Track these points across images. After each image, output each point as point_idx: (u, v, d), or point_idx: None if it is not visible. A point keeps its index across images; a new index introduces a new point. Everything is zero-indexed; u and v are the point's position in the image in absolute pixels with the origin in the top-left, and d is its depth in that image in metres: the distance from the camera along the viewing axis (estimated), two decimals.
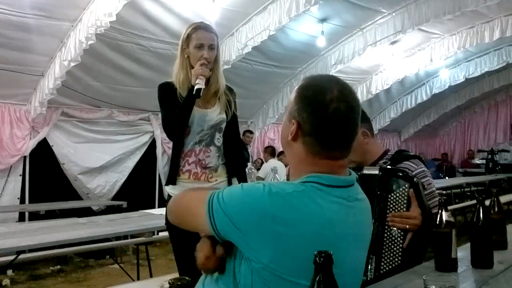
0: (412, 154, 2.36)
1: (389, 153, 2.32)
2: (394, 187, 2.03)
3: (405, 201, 2.00)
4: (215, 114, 2.61)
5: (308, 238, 1.22)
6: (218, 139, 2.63)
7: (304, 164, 1.34)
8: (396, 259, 1.96)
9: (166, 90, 2.65)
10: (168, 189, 2.64)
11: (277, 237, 1.20)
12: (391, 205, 2.01)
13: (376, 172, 2.06)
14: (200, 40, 2.52)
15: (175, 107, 2.54)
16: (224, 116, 2.62)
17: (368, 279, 1.95)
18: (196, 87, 2.44)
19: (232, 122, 2.68)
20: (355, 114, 1.32)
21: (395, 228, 1.98)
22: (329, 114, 1.28)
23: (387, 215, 2.00)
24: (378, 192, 2.02)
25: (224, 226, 1.26)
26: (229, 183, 2.66)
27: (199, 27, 2.57)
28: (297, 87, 1.39)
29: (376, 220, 2.01)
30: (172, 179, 2.61)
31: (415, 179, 2.03)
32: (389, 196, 2.02)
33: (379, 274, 1.95)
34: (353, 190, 1.37)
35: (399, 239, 1.97)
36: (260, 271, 1.23)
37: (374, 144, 2.34)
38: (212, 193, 1.31)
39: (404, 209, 1.99)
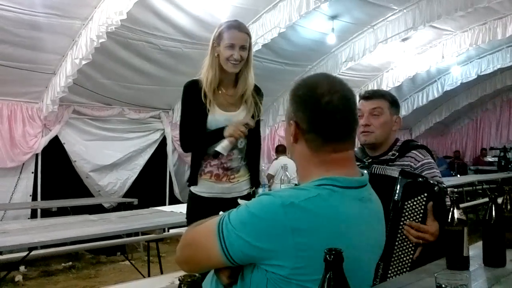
0: (419, 144, 2.32)
1: (398, 143, 2.30)
2: (412, 194, 1.95)
3: (421, 211, 1.93)
4: (239, 117, 2.58)
5: (326, 242, 1.18)
6: (241, 142, 2.59)
7: (312, 164, 1.33)
8: (405, 269, 1.92)
9: (190, 92, 2.60)
10: (192, 189, 2.67)
11: (297, 248, 1.19)
12: (407, 213, 1.95)
13: (396, 174, 1.99)
14: (232, 40, 2.48)
15: (196, 111, 2.53)
16: (248, 118, 2.59)
17: (376, 283, 1.93)
18: (218, 149, 2.45)
19: (256, 123, 2.64)
20: (349, 103, 1.34)
21: (405, 232, 1.93)
22: (322, 107, 1.29)
23: (403, 223, 1.94)
24: (395, 198, 1.95)
25: (239, 251, 1.22)
26: (251, 182, 2.68)
27: (232, 26, 2.52)
28: (290, 90, 1.40)
29: (388, 226, 1.93)
30: (193, 180, 2.63)
31: (436, 188, 1.94)
32: (406, 203, 1.95)
33: (384, 281, 1.92)
34: (366, 190, 1.37)
35: (410, 249, 1.93)
36: (278, 281, 1.21)
37: (394, 134, 2.33)
38: (218, 222, 1.27)
39: (420, 219, 1.93)
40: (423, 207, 1.93)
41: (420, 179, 1.99)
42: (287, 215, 1.19)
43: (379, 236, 1.44)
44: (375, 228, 1.39)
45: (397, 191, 1.95)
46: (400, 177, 1.97)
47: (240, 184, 2.63)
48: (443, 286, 1.24)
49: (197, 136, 2.55)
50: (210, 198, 2.62)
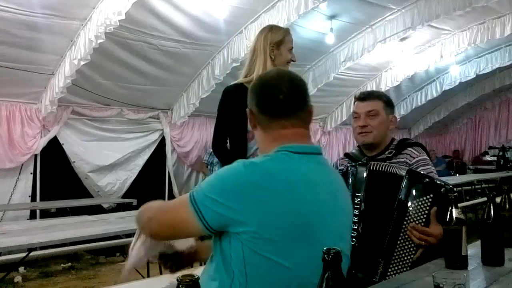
0: (414, 141, 2.37)
1: (394, 142, 2.34)
2: (418, 195, 1.96)
3: (426, 212, 1.94)
4: None
5: (288, 197, 1.32)
6: None
7: (267, 142, 1.48)
8: (405, 269, 1.92)
9: (229, 99, 2.66)
10: None
11: (260, 202, 1.30)
12: (411, 213, 1.96)
13: (403, 173, 2.01)
14: (292, 43, 2.72)
15: (233, 118, 2.59)
16: None
17: (375, 280, 1.94)
18: None
19: None
20: (294, 86, 1.50)
21: (407, 231, 1.94)
22: (268, 90, 1.49)
23: (407, 222, 1.95)
24: (400, 196, 1.97)
25: (213, 212, 1.32)
26: None
27: (289, 32, 2.77)
28: None
29: (392, 224, 1.97)
30: None
31: (442, 190, 1.94)
32: (411, 203, 1.96)
33: (384, 279, 1.92)
34: (323, 158, 1.52)
35: (411, 249, 1.94)
36: (250, 240, 1.30)
37: (390, 134, 2.37)
38: (190, 194, 1.38)
39: (424, 220, 1.93)
40: (428, 208, 1.93)
41: (427, 179, 2.00)
42: (247, 172, 1.34)
43: (345, 201, 1.53)
44: (338, 191, 1.49)
45: (403, 190, 1.97)
46: (407, 176, 1.99)
47: None
48: (441, 285, 1.24)
49: (237, 147, 2.65)
50: None
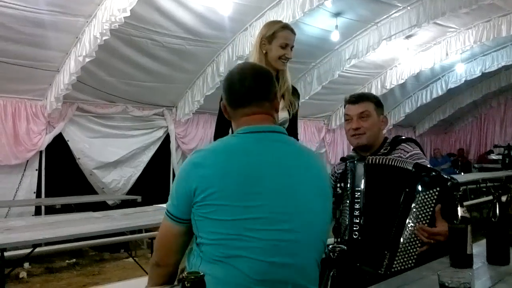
0: (408, 138, 2.40)
1: (388, 141, 2.38)
2: (424, 187, 1.98)
3: (432, 205, 1.95)
4: (281, 114, 2.59)
5: (225, 168, 1.48)
6: None
7: (234, 131, 1.64)
8: (410, 262, 1.94)
9: None
10: None
11: (199, 176, 1.48)
12: (417, 205, 1.97)
13: (410, 167, 2.04)
14: (287, 40, 2.62)
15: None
16: (287, 115, 2.61)
17: (381, 272, 1.95)
18: None
19: (293, 121, 2.68)
20: (252, 76, 1.63)
21: (415, 231, 1.95)
22: (231, 83, 1.65)
23: (413, 215, 1.96)
24: (407, 189, 1.99)
25: (176, 204, 1.54)
26: None
27: (287, 27, 2.68)
28: None
29: (397, 217, 1.98)
30: None
31: (449, 183, 1.96)
32: (417, 196, 1.98)
33: (390, 272, 1.93)
34: (276, 135, 1.61)
35: (417, 242, 1.95)
36: (197, 209, 1.48)
37: (382, 134, 2.41)
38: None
39: (430, 213, 1.94)
40: (434, 201, 1.95)
41: (433, 173, 2.02)
42: (190, 158, 1.55)
43: (289, 164, 1.58)
44: (290, 158, 1.58)
45: (410, 183, 1.99)
46: (413, 169, 2.02)
47: None
48: (446, 284, 1.24)
49: None
50: None
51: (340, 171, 2.34)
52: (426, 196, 1.96)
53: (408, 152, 2.25)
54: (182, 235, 1.56)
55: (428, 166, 2.13)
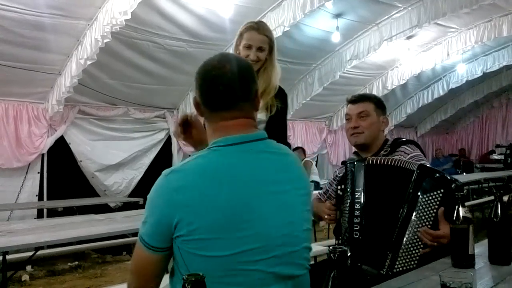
0: (408, 139, 2.43)
1: (388, 142, 2.39)
2: (428, 188, 1.99)
3: (436, 207, 1.96)
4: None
5: (210, 194, 1.30)
6: None
7: (209, 134, 1.46)
8: (412, 263, 1.94)
9: None
10: None
11: (184, 204, 1.29)
12: (421, 207, 1.98)
13: (414, 168, 2.04)
14: (249, 41, 2.52)
15: None
16: (263, 116, 2.52)
17: (382, 273, 1.95)
18: None
19: (274, 123, 2.57)
20: (235, 75, 1.40)
21: (418, 233, 1.96)
22: (208, 80, 1.42)
23: (417, 217, 1.97)
24: (411, 191, 2.00)
25: (155, 233, 1.34)
26: None
27: (252, 28, 2.56)
28: None
29: (401, 218, 1.99)
30: None
31: (453, 185, 1.96)
32: (421, 197, 1.98)
33: (392, 273, 1.93)
34: (260, 144, 1.43)
35: (420, 243, 1.95)
36: (184, 243, 1.31)
37: (383, 135, 2.43)
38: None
39: (433, 215, 1.95)
40: (438, 203, 1.95)
41: (437, 174, 2.02)
42: (168, 180, 1.34)
43: (284, 181, 1.43)
44: (271, 173, 1.41)
45: (413, 184, 2.00)
46: (418, 171, 2.02)
47: None
48: (448, 284, 1.24)
49: None
50: None
51: (341, 174, 2.36)
52: (430, 198, 1.97)
53: (408, 154, 2.26)
54: (161, 261, 1.39)
55: (434, 168, 2.14)
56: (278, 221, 1.36)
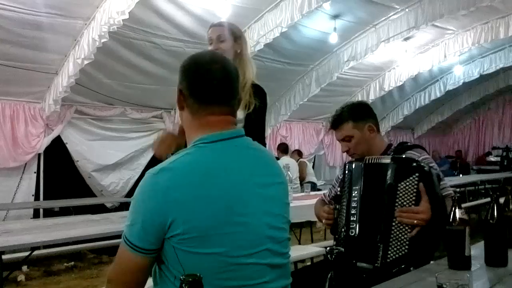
0: (415, 144, 2.43)
1: (392, 147, 2.40)
2: (404, 176, 2.06)
3: (414, 191, 2.03)
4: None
5: (205, 190, 1.30)
6: None
7: (193, 128, 1.44)
8: (403, 248, 1.99)
9: None
10: None
11: (178, 203, 1.28)
12: (401, 194, 2.04)
13: (388, 161, 2.12)
14: (209, 35, 2.61)
15: None
16: (241, 115, 2.48)
17: (377, 266, 1.97)
18: None
19: (253, 121, 2.56)
20: (228, 74, 1.43)
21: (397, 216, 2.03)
22: (201, 73, 1.42)
23: (398, 204, 2.03)
24: (388, 181, 2.07)
25: (143, 236, 1.31)
26: None
27: (211, 25, 2.65)
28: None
29: (384, 209, 2.05)
30: None
31: (426, 168, 2.06)
32: (399, 185, 2.05)
33: (385, 262, 1.98)
34: (243, 140, 1.47)
35: (407, 227, 2.00)
36: (180, 242, 1.29)
37: (379, 139, 2.42)
38: (123, 234, 1.36)
39: (414, 199, 2.02)
40: (416, 187, 2.03)
41: (410, 161, 2.11)
42: (158, 180, 1.31)
43: (267, 175, 1.48)
44: (258, 168, 1.46)
45: (390, 175, 2.07)
46: (391, 162, 2.10)
47: None
48: (444, 286, 1.24)
49: None
50: None
51: (341, 177, 2.38)
52: (408, 183, 2.04)
53: (416, 160, 2.23)
54: (150, 265, 1.37)
55: (407, 157, 2.20)
56: (266, 215, 1.40)
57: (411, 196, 2.03)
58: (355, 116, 2.36)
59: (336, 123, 2.38)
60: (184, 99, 1.44)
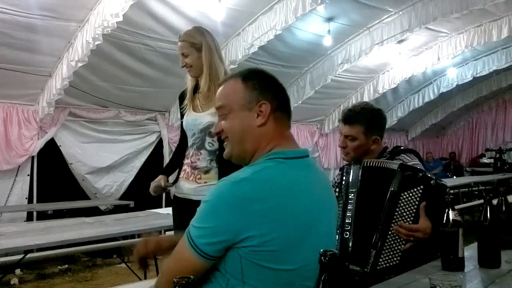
0: (408, 148, 2.45)
1: (387, 150, 2.40)
2: (409, 185, 2.03)
3: (416, 203, 2.00)
4: (205, 118, 2.59)
5: (287, 205, 1.29)
6: (210, 143, 2.59)
7: (265, 141, 1.42)
8: (395, 259, 1.98)
9: (180, 97, 2.86)
10: (172, 189, 2.72)
11: (257, 215, 1.26)
12: (402, 204, 2.02)
13: (395, 167, 2.08)
14: (178, 50, 2.67)
15: (181, 114, 2.76)
16: (214, 120, 2.44)
17: (367, 270, 1.98)
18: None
19: None
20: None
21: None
22: (279, 87, 1.48)
23: (398, 213, 2.01)
24: (392, 188, 2.04)
25: (212, 243, 1.27)
26: None
27: (179, 37, 2.70)
28: (231, 82, 1.47)
29: (384, 215, 2.03)
30: (176, 179, 2.71)
31: (432, 182, 2.01)
32: (402, 194, 2.03)
33: (375, 269, 1.98)
34: (310, 160, 1.51)
35: (402, 239, 1.99)
36: (250, 253, 1.27)
37: (378, 145, 2.41)
38: (186, 232, 1.32)
39: (414, 211, 1.99)
40: (418, 199, 2.00)
41: (417, 172, 2.07)
42: (240, 189, 1.28)
43: (332, 197, 1.55)
44: (326, 190, 1.51)
45: (395, 182, 2.04)
46: (398, 169, 2.07)
47: (207, 187, 2.52)
48: (438, 287, 1.25)
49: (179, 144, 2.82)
50: (181, 199, 2.67)
51: (338, 179, 2.39)
52: (411, 194, 2.02)
53: (407, 163, 2.26)
54: (207, 270, 1.33)
55: (414, 166, 2.17)
56: (330, 234, 1.46)
57: (412, 208, 2.00)
58: (369, 124, 2.35)
59: (350, 120, 2.37)
60: (272, 111, 1.42)
